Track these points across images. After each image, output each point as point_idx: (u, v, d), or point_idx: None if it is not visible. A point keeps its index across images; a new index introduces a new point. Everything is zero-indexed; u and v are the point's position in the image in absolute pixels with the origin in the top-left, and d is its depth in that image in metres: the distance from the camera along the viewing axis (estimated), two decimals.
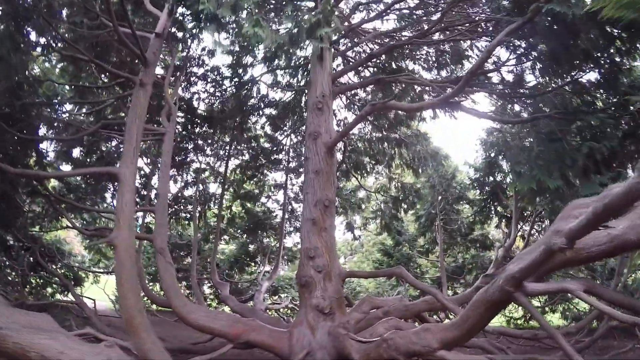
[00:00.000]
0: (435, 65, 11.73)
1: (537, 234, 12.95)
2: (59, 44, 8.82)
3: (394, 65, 11.50)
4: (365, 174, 13.48)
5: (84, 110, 11.13)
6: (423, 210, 15.99)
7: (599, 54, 7.15)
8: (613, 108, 7.04)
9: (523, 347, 9.70)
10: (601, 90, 7.51)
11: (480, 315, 4.18)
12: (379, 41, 10.33)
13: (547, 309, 13.45)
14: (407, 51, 11.53)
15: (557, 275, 13.47)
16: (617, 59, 6.98)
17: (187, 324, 6.23)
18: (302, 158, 11.82)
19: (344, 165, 13.04)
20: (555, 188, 6.36)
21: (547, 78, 8.43)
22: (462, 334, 4.32)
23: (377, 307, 7.38)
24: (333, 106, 11.53)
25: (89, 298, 10.95)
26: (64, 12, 8.83)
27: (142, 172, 13.94)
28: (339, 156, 12.34)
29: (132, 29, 6.61)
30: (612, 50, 7.01)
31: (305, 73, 12.54)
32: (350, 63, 10.92)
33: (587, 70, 7.62)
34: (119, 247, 5.32)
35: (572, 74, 7.68)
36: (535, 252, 3.62)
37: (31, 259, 11.94)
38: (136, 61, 10.53)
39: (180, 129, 13.64)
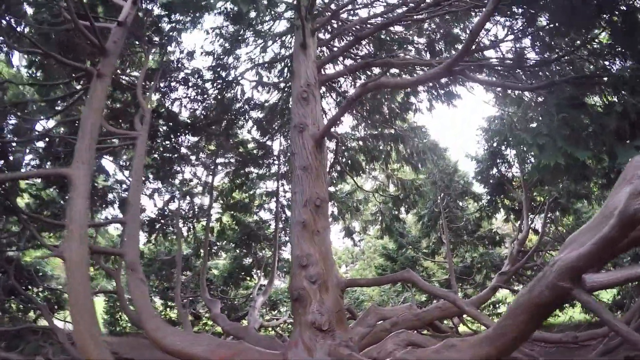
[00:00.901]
0: (428, 53, 10.94)
1: (551, 224, 12.04)
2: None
3: (383, 56, 10.71)
4: (361, 173, 12.54)
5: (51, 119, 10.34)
6: (425, 209, 15.07)
7: (610, 11, 6.34)
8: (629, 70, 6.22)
9: (548, 350, 8.79)
10: (617, 51, 6.66)
11: (523, 324, 3.21)
12: (366, 25, 9.47)
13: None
14: (397, 40, 10.75)
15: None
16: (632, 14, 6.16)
17: (162, 350, 5.30)
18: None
19: (338, 165, 12.18)
20: (583, 161, 5.47)
21: (556, 42, 7.60)
22: (498, 350, 3.33)
23: (384, 318, 6.45)
24: (323, 105, 10.74)
25: (69, 323, 10.14)
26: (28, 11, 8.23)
27: (124, 186, 13.13)
28: (330, 156, 11.53)
29: (89, 18, 5.83)
30: (623, 6, 6.21)
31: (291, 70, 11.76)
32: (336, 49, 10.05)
33: (600, 30, 6.81)
34: (69, 261, 4.51)
35: (584, 36, 6.87)
36: (604, 229, 2.68)
37: (10, 282, 11.08)
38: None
39: (164, 139, 12.83)
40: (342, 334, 5.33)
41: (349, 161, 12.14)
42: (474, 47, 8.92)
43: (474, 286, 14.49)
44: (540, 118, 6.84)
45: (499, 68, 8.70)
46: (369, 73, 11.25)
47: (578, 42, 7.03)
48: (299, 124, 6.65)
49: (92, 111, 5.51)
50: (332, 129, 10.64)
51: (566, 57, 7.45)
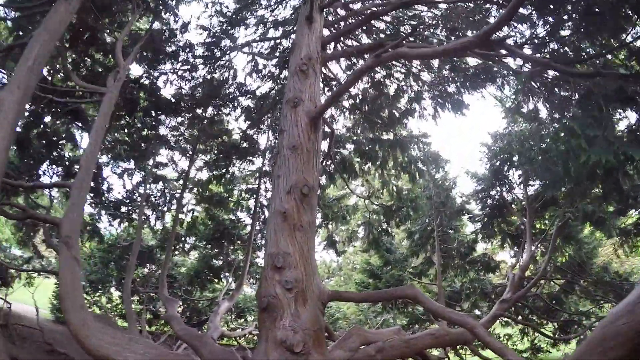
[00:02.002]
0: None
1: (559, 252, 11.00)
2: None
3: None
4: (354, 177, 11.40)
5: None
6: (417, 225, 13.92)
7: None
8: None
9: None
10: None
11: None
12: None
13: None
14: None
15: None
16: None
17: (86, 351, 4.08)
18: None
19: (329, 165, 11.06)
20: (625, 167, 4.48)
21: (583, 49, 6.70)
22: None
23: (368, 342, 5.26)
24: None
25: (5, 301, 9.60)
26: None
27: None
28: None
29: None
30: None
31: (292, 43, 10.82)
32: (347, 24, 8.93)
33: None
34: None
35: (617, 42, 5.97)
36: None
37: None
38: None
39: (143, 115, 11.71)
40: (319, 358, 4.18)
41: (342, 163, 11.03)
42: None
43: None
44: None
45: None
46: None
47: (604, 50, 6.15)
48: (293, 98, 5.53)
49: (46, 32, 4.40)
50: (328, 120, 9.60)
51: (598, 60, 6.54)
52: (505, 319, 11.80)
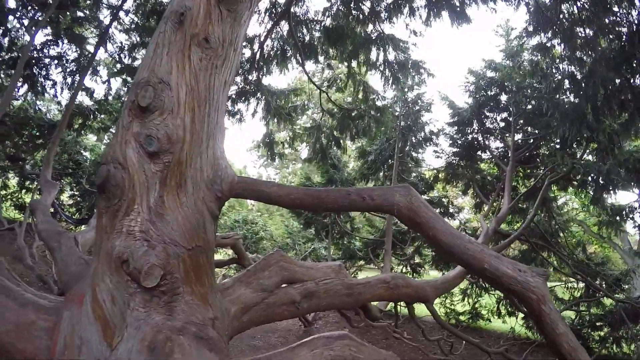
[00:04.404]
0: None
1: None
2: None
3: None
4: (314, 58, 9.04)
5: None
6: (374, 145, 11.76)
7: None
8: None
9: None
10: None
11: None
12: None
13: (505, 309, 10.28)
14: None
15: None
16: None
17: None
18: None
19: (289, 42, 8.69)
20: None
21: None
22: None
23: (294, 280, 3.25)
24: None
25: None
26: None
27: None
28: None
29: None
30: None
31: None
32: None
33: None
34: None
35: None
36: None
37: None
38: None
39: None
40: (195, 304, 2.10)
41: (302, 41, 8.69)
42: None
43: (402, 258, 11.82)
44: None
45: None
46: None
47: None
48: None
49: None
50: None
51: None
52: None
